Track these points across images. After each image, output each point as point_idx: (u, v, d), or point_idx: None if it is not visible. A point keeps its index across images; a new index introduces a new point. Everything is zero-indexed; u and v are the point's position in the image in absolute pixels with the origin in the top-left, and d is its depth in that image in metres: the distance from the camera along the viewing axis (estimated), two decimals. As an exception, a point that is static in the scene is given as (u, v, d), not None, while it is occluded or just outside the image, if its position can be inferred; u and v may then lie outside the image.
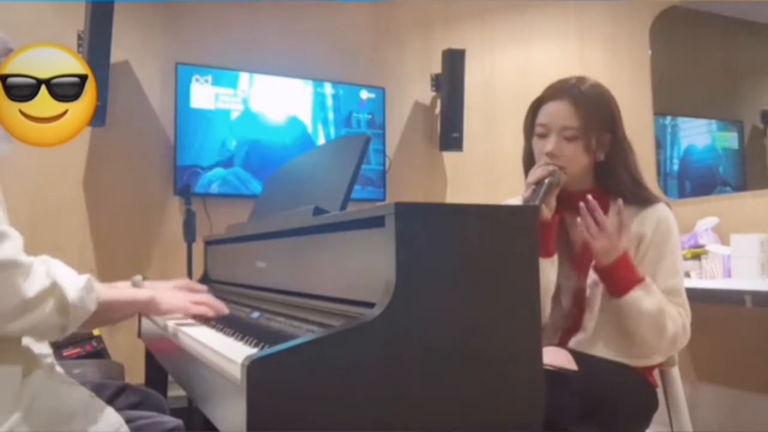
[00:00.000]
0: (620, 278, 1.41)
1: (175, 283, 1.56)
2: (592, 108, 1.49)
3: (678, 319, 1.44)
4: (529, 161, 1.58)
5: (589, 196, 1.42)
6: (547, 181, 1.45)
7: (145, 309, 1.38)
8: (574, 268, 1.53)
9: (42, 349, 1.20)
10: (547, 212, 1.45)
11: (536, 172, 1.47)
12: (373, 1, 3.65)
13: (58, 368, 1.23)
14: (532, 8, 3.75)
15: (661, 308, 1.41)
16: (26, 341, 1.16)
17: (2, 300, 1.03)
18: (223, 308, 1.43)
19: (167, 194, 3.19)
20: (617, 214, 1.41)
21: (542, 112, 1.53)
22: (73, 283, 1.12)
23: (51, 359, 1.21)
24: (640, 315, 1.40)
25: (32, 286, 1.06)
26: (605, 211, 1.51)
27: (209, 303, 1.43)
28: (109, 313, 1.26)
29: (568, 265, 1.53)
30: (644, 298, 1.40)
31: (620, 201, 1.44)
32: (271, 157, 3.28)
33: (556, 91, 1.53)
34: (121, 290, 1.33)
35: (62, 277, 1.11)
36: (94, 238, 3.04)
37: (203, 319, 1.43)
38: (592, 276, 1.50)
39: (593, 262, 1.47)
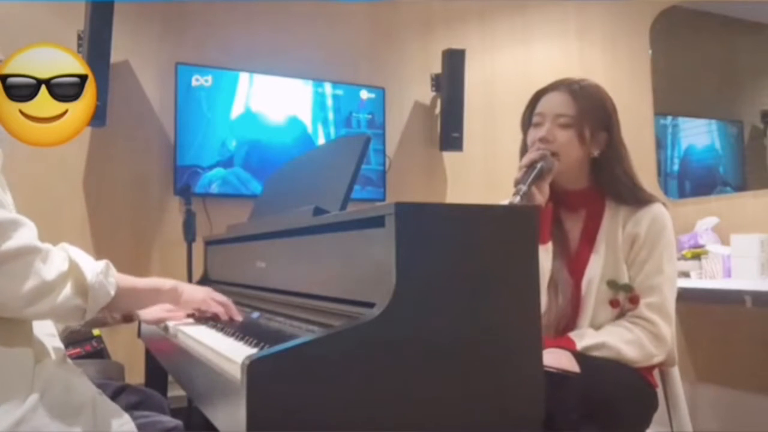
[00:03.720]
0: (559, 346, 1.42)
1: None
2: (588, 101, 1.52)
3: (640, 339, 1.44)
4: (524, 154, 1.59)
5: None
6: (539, 165, 1.45)
7: (166, 298, 1.39)
8: (569, 267, 1.53)
9: (54, 342, 1.21)
10: (540, 197, 1.45)
11: (529, 156, 1.49)
12: (373, 1, 3.65)
13: (69, 361, 1.25)
14: (532, 8, 3.75)
15: (614, 350, 1.41)
16: (37, 334, 1.17)
17: (22, 283, 1.05)
18: (238, 315, 1.43)
19: (167, 194, 3.19)
20: None
21: (540, 103, 1.57)
22: (92, 266, 1.16)
23: (62, 352, 1.22)
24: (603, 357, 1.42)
25: (51, 269, 1.09)
26: (601, 211, 1.52)
27: (227, 304, 1.43)
28: (131, 300, 1.30)
29: (564, 264, 1.53)
30: (594, 352, 1.41)
31: None
32: (271, 157, 3.28)
33: (556, 84, 1.57)
34: (143, 279, 1.34)
35: (81, 260, 1.15)
36: (94, 238, 3.04)
37: (203, 319, 1.43)
38: (587, 276, 1.50)
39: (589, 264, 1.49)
